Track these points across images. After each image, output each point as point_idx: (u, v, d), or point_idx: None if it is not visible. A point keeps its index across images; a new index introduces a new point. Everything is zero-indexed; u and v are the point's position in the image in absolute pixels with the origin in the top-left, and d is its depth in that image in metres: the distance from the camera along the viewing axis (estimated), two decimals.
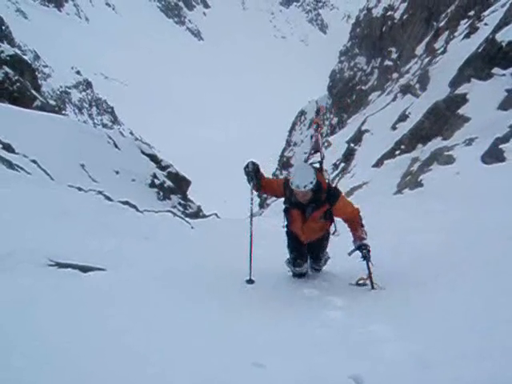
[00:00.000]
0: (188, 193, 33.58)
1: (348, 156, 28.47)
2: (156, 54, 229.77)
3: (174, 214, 16.10)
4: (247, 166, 7.15)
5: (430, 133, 19.92)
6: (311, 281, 7.55)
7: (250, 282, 7.28)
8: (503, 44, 18.07)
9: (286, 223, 7.38)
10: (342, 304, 6.28)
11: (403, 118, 24.94)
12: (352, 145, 28.67)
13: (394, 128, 24.80)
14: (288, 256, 7.69)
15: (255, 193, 7.67)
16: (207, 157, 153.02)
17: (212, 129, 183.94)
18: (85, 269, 7.34)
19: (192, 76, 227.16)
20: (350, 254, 6.95)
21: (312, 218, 6.89)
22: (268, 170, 63.87)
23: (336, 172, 28.87)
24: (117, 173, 27.65)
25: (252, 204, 7.85)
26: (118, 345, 4.42)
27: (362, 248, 6.77)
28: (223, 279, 7.45)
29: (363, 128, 28.89)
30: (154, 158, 32.25)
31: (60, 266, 7.33)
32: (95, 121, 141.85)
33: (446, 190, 11.32)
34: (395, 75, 40.50)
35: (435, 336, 4.49)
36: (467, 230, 8.19)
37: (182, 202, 31.41)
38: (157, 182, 29.93)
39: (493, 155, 11.70)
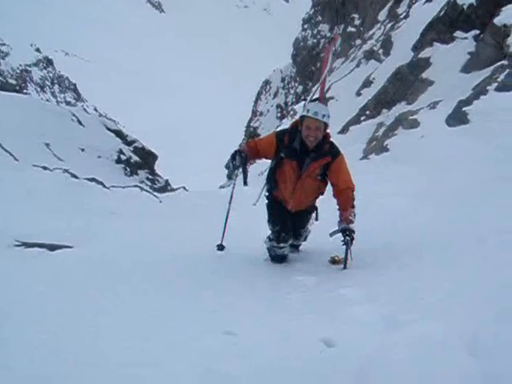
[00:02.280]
0: (156, 167, 33.38)
1: None
2: (117, 28, 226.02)
3: (142, 189, 16.06)
4: (234, 158, 6.49)
5: (394, 97, 19.97)
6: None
7: (221, 247, 7.02)
8: (464, 7, 18.09)
9: (267, 189, 6.91)
10: (313, 270, 6.35)
11: (367, 83, 24.94)
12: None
13: (358, 94, 24.81)
14: (268, 234, 6.97)
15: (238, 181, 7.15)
16: (174, 130, 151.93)
17: (177, 102, 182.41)
18: (52, 247, 7.32)
19: (155, 49, 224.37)
20: (331, 234, 6.38)
21: (309, 170, 6.33)
22: (235, 141, 63.76)
23: None
24: (82, 150, 27.39)
25: (232, 196, 7.13)
26: (88, 321, 4.40)
27: (347, 233, 6.17)
28: (192, 250, 7.45)
29: (328, 95, 28.83)
30: (119, 134, 31.93)
31: (27, 245, 7.30)
32: (58, 99, 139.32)
33: (411, 154, 11.41)
34: (358, 41, 40.40)
35: (404, 298, 4.55)
36: (434, 193, 8.28)
37: (150, 176, 31.24)
38: (123, 157, 29.67)
39: (457, 118, 11.78)
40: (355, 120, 21.51)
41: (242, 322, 4.45)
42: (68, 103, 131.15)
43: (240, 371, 3.56)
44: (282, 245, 6.74)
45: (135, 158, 30.77)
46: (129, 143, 31.76)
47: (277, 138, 6.46)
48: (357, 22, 46.03)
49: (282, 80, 65.35)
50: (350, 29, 46.09)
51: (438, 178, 9.07)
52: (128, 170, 29.44)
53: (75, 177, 15.47)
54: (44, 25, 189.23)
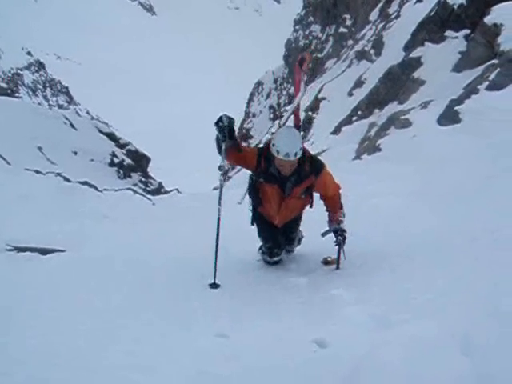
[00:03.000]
0: (149, 170, 33.29)
1: (306, 124, 28.49)
2: (109, 31, 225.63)
3: (135, 192, 16.00)
4: (220, 119, 5.75)
5: (386, 97, 20.02)
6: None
7: (215, 286, 5.83)
8: (455, 7, 18.16)
9: (251, 205, 6.43)
10: (305, 271, 6.33)
11: (359, 83, 24.98)
12: (310, 113, 28.65)
13: (350, 94, 24.85)
14: (260, 245, 6.78)
15: (227, 165, 6.93)
16: (167, 132, 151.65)
17: (170, 103, 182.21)
18: (44, 251, 7.30)
19: (147, 51, 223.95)
20: (323, 235, 6.30)
21: (293, 194, 5.93)
22: None
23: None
24: (75, 153, 27.27)
25: (221, 190, 6.57)
26: (80, 325, 4.39)
27: (338, 233, 6.05)
28: (184, 255, 7.41)
29: (320, 96, 28.88)
30: (112, 137, 31.83)
31: (19, 250, 7.27)
32: (50, 102, 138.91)
33: (403, 154, 11.41)
34: (350, 42, 40.45)
35: (396, 298, 4.55)
36: (427, 192, 8.28)
37: (143, 179, 31.14)
38: (116, 160, 29.56)
39: (448, 117, 11.80)
40: (347, 120, 21.55)
41: (234, 324, 4.46)
42: (60, 106, 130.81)
43: (231, 373, 3.57)
44: (275, 259, 6.63)
45: (128, 161, 30.67)
46: (122, 146, 31.65)
47: (257, 155, 5.93)
48: (348, 23, 46.09)
49: (275, 81, 65.38)
50: (342, 29, 46.16)
51: (431, 177, 9.08)
52: (121, 172, 29.33)
53: (68, 180, 15.42)
54: (35, 28, 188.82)
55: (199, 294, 5.46)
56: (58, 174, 16.22)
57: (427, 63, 18.15)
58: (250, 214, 6.54)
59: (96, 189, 14.84)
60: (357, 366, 3.25)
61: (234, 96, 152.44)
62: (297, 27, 63.85)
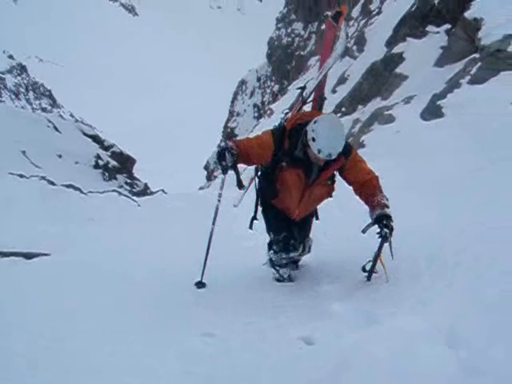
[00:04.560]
0: (134, 171, 33.26)
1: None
2: (90, 33, 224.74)
3: (120, 194, 15.95)
4: (222, 156, 4.96)
5: (369, 93, 20.11)
6: None
7: (201, 285, 5.66)
8: (435, 2, 18.29)
9: (260, 198, 5.71)
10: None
11: (342, 80, 25.10)
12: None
13: (333, 91, 24.93)
14: (269, 251, 5.84)
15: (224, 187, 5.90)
16: (152, 133, 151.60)
17: (154, 104, 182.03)
18: (29, 255, 7.25)
19: (130, 52, 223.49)
20: (364, 230, 4.94)
21: (320, 179, 5.13)
22: (213, 142, 63.75)
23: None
24: (59, 156, 27.20)
25: (219, 201, 5.78)
26: (66, 329, 4.37)
27: (384, 222, 4.80)
28: (170, 254, 7.40)
29: (304, 93, 28.94)
30: (96, 139, 31.80)
31: (3, 254, 7.21)
32: (33, 105, 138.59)
33: (388, 149, 11.45)
34: None
35: (382, 293, 4.57)
36: (413, 187, 8.30)
37: (129, 180, 31.13)
38: (101, 162, 29.54)
39: (431, 112, 11.86)
40: None
41: (220, 323, 4.45)
42: (43, 110, 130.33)
43: (217, 372, 3.58)
44: (291, 254, 5.59)
45: (113, 163, 30.64)
46: (106, 148, 31.63)
47: (274, 138, 5.08)
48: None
49: (258, 79, 65.49)
50: (324, 26, 46.21)
51: (417, 171, 9.11)
52: (106, 174, 29.31)
53: (52, 184, 15.34)
54: (16, 31, 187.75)
55: (185, 295, 5.44)
56: (43, 178, 16.15)
57: (409, 58, 18.25)
58: (251, 215, 5.84)
59: (81, 191, 14.77)
60: (343, 360, 3.25)
61: (217, 95, 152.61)
62: (279, 25, 63.96)
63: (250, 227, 5.88)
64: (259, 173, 5.76)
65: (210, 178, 52.71)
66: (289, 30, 59.68)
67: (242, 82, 68.44)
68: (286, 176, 5.14)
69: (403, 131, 11.95)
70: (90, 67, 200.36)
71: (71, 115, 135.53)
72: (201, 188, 38.64)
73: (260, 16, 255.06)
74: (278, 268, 5.88)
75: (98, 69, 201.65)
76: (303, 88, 6.07)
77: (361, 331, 3.66)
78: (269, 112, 42.42)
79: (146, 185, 32.48)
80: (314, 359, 3.49)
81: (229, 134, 60.38)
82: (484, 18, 13.83)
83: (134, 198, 16.36)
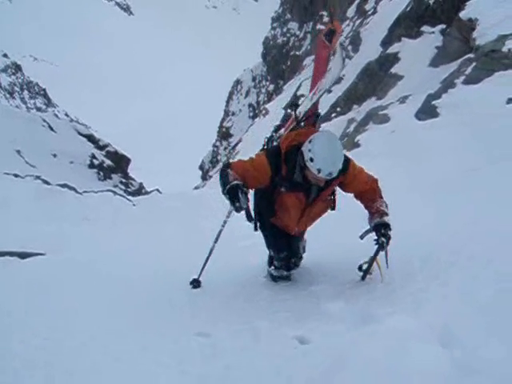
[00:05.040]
0: (129, 170, 33.24)
1: (286, 122, 28.55)
2: (85, 32, 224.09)
3: (115, 193, 15.93)
4: (235, 197, 4.52)
5: (364, 93, 20.13)
6: None
7: (196, 284, 5.63)
8: (430, 2, 18.34)
9: (258, 215, 5.35)
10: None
11: (337, 80, 25.08)
12: (289, 110, 28.70)
13: (329, 91, 24.92)
14: (270, 258, 5.76)
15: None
16: (147, 132, 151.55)
17: (149, 103, 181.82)
18: (23, 255, 7.24)
19: (125, 52, 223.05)
20: (362, 236, 4.91)
21: (321, 197, 4.98)
22: (208, 141, 63.73)
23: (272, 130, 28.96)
24: (54, 156, 27.20)
25: (223, 227, 5.66)
26: (62, 328, 4.37)
27: (382, 231, 4.74)
28: (164, 256, 7.38)
29: (299, 93, 28.97)
30: (91, 138, 31.77)
31: None
32: (28, 105, 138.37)
33: (383, 149, 11.45)
34: None
35: (376, 293, 4.57)
36: (409, 186, 8.31)
37: (124, 180, 31.12)
38: (96, 162, 29.54)
39: (426, 111, 11.88)
40: (326, 117, 21.61)
41: (215, 323, 4.44)
42: (38, 109, 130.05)
43: (212, 372, 3.58)
44: (293, 271, 5.63)
45: (108, 162, 30.63)
46: (101, 147, 31.60)
47: (270, 164, 4.78)
48: (326, 19, 46.18)
49: (253, 79, 65.48)
50: (319, 26, 46.23)
51: (412, 171, 9.12)
52: (101, 174, 29.31)
53: (47, 183, 15.34)
54: (11, 30, 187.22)
55: (180, 295, 5.43)
56: (38, 177, 16.17)
57: (404, 58, 18.30)
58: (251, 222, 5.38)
59: (76, 191, 14.76)
60: (338, 360, 3.26)
61: (212, 94, 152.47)
62: (274, 25, 63.97)
63: (256, 229, 5.48)
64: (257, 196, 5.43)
65: (205, 177, 52.73)
66: (284, 30, 59.69)
67: (237, 82, 68.41)
68: (285, 199, 4.95)
69: (398, 131, 11.96)
70: (86, 66, 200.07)
71: (66, 114, 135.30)
72: (196, 187, 38.63)
73: (255, 16, 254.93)
74: (278, 280, 5.73)
75: (93, 68, 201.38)
76: (296, 106, 5.76)
77: (356, 331, 3.66)
78: (264, 112, 42.41)
79: (141, 184, 32.47)
80: (309, 359, 3.49)
81: (224, 133, 60.40)
82: (479, 19, 13.88)
83: (129, 197, 16.36)
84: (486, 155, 8.15)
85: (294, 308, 4.73)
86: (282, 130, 5.81)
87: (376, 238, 4.76)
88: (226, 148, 56.26)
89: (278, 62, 58.21)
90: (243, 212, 4.77)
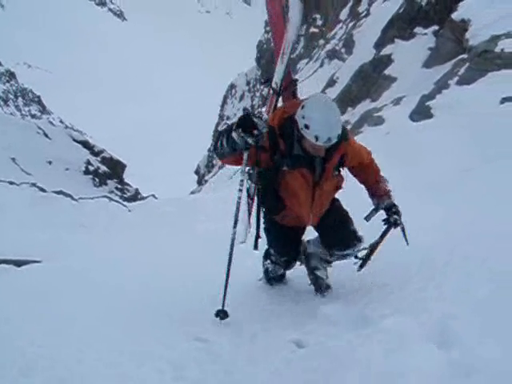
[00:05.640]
0: (125, 176, 33.22)
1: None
2: (79, 38, 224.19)
3: (110, 199, 15.89)
4: (248, 121, 4.01)
5: (358, 95, 20.18)
6: None
7: (223, 315, 4.55)
8: (423, 4, 18.41)
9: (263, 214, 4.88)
10: None
11: (331, 83, 25.16)
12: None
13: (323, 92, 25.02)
14: (266, 251, 5.35)
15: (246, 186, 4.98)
16: (142, 137, 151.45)
17: (144, 108, 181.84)
18: (19, 263, 7.21)
19: (119, 57, 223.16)
20: (368, 218, 4.60)
21: (327, 173, 4.44)
22: (204, 146, 63.73)
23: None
24: (49, 163, 27.21)
25: (234, 238, 4.64)
26: (59, 333, 4.36)
27: (393, 210, 4.55)
28: (158, 261, 7.35)
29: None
30: (86, 145, 31.74)
31: None
32: (23, 112, 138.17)
33: (378, 151, 11.43)
34: (321, 42, 40.67)
35: (373, 295, 4.58)
36: (404, 188, 8.30)
37: (119, 186, 31.11)
38: (91, 168, 29.52)
39: (421, 112, 11.89)
40: None
41: (212, 329, 4.42)
42: (33, 116, 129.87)
43: (209, 376, 3.59)
44: (289, 271, 5.35)
45: (103, 168, 30.61)
46: (96, 154, 31.57)
47: (269, 140, 4.31)
48: (319, 23, 46.34)
49: (248, 83, 65.44)
50: (313, 29, 46.36)
51: (407, 173, 9.11)
52: (97, 180, 29.30)
53: (43, 190, 15.29)
54: (4, 37, 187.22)
55: (175, 300, 5.42)
56: (33, 185, 16.11)
57: (398, 60, 18.35)
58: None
59: (71, 198, 14.72)
60: (336, 362, 3.27)
61: (207, 99, 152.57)
62: (268, 28, 63.81)
63: (255, 247, 4.91)
64: (256, 191, 4.93)
65: (200, 182, 52.67)
66: None
67: (232, 86, 68.42)
68: (291, 181, 4.41)
69: (393, 132, 11.96)
70: (80, 73, 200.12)
71: (61, 121, 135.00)
72: (192, 192, 38.56)
73: (249, 19, 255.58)
74: (272, 282, 5.53)
75: (87, 74, 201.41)
76: (268, 81, 5.39)
77: (353, 333, 3.67)
78: (259, 116, 42.46)
79: (136, 190, 32.45)
80: (306, 362, 3.49)
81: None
82: (471, 19, 13.93)
83: (125, 203, 16.32)
84: (481, 155, 8.16)
85: (291, 311, 4.73)
86: (265, 114, 5.13)
87: (387, 217, 4.56)
88: None
89: (272, 66, 58.28)
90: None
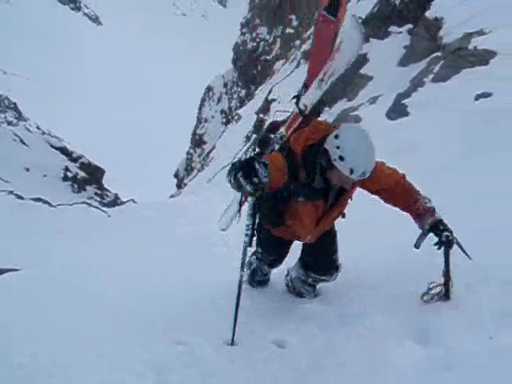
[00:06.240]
0: (104, 181, 33.02)
1: (258, 127, 28.64)
2: (55, 44, 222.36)
3: (89, 205, 15.82)
4: (251, 168, 3.56)
5: (335, 95, 20.21)
6: None
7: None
8: (396, 3, 18.53)
9: (257, 221, 4.60)
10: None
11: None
12: (261, 115, 28.82)
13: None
14: (254, 253, 5.15)
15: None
16: (120, 142, 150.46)
17: (122, 113, 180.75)
18: None
19: (96, 62, 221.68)
20: (417, 245, 4.05)
21: (341, 204, 4.23)
22: (182, 149, 63.62)
23: (249, 144, 29.03)
24: (27, 170, 26.98)
25: (243, 276, 4.50)
26: (42, 339, 4.33)
27: (441, 227, 3.96)
28: (140, 270, 7.31)
29: (270, 97, 29.07)
30: (64, 151, 31.48)
31: None
32: None
33: None
34: (297, 42, 40.82)
35: (352, 294, 4.58)
36: None
37: (98, 191, 30.89)
38: (70, 174, 29.28)
39: (397, 111, 11.94)
40: None
41: (193, 331, 4.40)
42: (9, 123, 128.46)
43: (190, 379, 3.59)
44: (271, 269, 5.11)
45: (82, 174, 30.39)
46: (74, 159, 31.32)
47: (287, 166, 3.92)
48: (295, 23, 46.46)
49: (225, 85, 65.38)
50: (289, 30, 46.49)
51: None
52: (75, 186, 29.07)
53: (21, 198, 15.20)
54: None
55: (156, 302, 5.39)
56: (11, 192, 15.99)
57: (373, 59, 18.43)
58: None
59: (50, 204, 14.63)
60: (316, 360, 3.28)
61: (185, 102, 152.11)
62: (244, 30, 63.98)
63: (249, 244, 4.63)
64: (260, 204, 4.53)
65: (180, 185, 52.55)
66: (253, 35, 59.71)
67: (209, 89, 68.27)
68: (300, 208, 4.13)
69: (370, 131, 11.98)
70: (57, 78, 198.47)
71: (38, 127, 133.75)
72: (171, 196, 38.47)
73: (225, 22, 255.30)
74: (254, 284, 5.37)
75: (64, 80, 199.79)
76: (298, 97, 4.66)
77: (332, 332, 3.69)
78: (236, 117, 42.52)
79: (116, 195, 32.26)
80: (287, 362, 3.51)
81: (197, 140, 60.29)
82: (444, 17, 14.04)
83: (104, 208, 16.24)
84: (458, 150, 8.22)
85: (273, 312, 4.72)
86: (282, 129, 4.62)
87: (438, 238, 3.94)
88: (200, 155, 56.12)
89: (249, 68, 58.26)
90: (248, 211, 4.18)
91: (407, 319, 3.46)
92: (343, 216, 4.40)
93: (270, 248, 4.83)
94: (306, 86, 4.62)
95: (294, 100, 4.70)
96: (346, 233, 4.67)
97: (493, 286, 3.68)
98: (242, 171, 3.56)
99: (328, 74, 4.58)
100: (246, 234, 4.28)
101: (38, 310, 5.21)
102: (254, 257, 5.12)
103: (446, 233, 3.88)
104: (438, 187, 7.01)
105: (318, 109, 4.70)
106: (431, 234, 4.01)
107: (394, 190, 4.20)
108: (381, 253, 5.25)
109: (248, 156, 3.74)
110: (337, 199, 4.16)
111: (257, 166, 3.53)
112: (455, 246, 3.87)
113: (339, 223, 4.56)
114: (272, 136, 3.84)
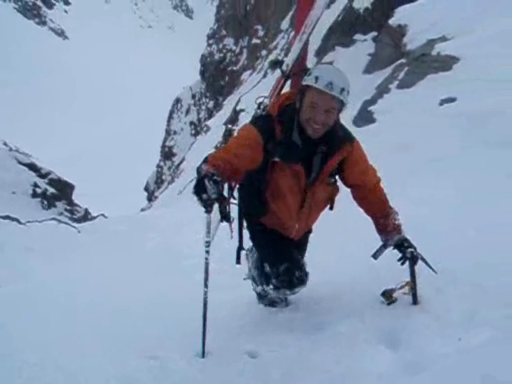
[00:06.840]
0: (74, 197, 32.73)
1: (227, 137, 28.68)
2: (20, 59, 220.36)
3: (59, 221, 15.65)
4: (200, 187, 3.47)
5: None
6: None
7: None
8: (361, 11, 18.72)
9: (244, 216, 4.42)
10: (231, 282, 6.12)
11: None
12: (229, 126, 28.84)
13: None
14: (268, 282, 4.37)
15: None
16: (89, 156, 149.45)
17: (90, 127, 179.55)
18: None
19: (61, 76, 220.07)
20: (376, 256, 4.09)
21: (324, 173, 3.94)
22: (152, 162, 63.37)
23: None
24: None
25: (208, 255, 3.97)
26: (14, 360, 4.26)
27: (405, 245, 3.93)
28: (110, 286, 7.25)
29: (238, 108, 29.12)
30: (32, 167, 31.09)
31: None
32: None
33: None
34: (264, 52, 40.99)
35: (323, 301, 4.59)
36: None
37: (68, 207, 30.58)
38: (39, 190, 28.93)
39: (363, 118, 12.05)
40: None
41: (164, 345, 4.36)
42: None
43: None
44: (297, 289, 4.22)
45: (51, 190, 30.05)
46: (43, 176, 30.97)
47: (259, 131, 3.80)
48: (261, 34, 46.62)
49: (193, 97, 65.34)
50: (255, 40, 46.63)
51: None
52: (45, 203, 28.74)
53: None
54: None
55: (126, 317, 5.34)
56: None
57: (339, 67, 18.38)
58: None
59: (18, 222, 14.45)
60: (288, 370, 3.28)
61: (153, 114, 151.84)
62: (210, 41, 64.10)
63: (238, 261, 4.52)
64: (237, 186, 4.49)
65: (150, 198, 52.30)
66: (220, 46, 59.83)
67: (177, 100, 68.15)
68: (279, 179, 3.94)
69: None
70: (22, 94, 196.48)
71: (5, 144, 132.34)
72: (142, 209, 38.26)
73: (191, 33, 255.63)
74: (266, 304, 4.95)
75: (30, 95, 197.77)
76: (279, 62, 5.01)
77: (306, 340, 3.69)
78: (205, 129, 42.49)
79: (86, 210, 31.99)
80: (259, 372, 3.49)
81: (167, 152, 60.12)
82: (408, 24, 14.22)
83: (74, 224, 16.09)
84: (424, 156, 8.34)
85: (244, 322, 4.71)
86: (267, 100, 4.68)
87: (401, 254, 3.93)
88: (170, 168, 55.96)
89: (216, 79, 58.32)
90: (219, 216, 3.82)
91: (378, 324, 3.48)
92: (331, 206, 4.26)
93: (268, 248, 4.33)
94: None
95: (277, 65, 5.09)
96: (319, 239, 4.69)
97: (461, 287, 3.72)
98: (194, 191, 3.53)
99: (308, 22, 5.07)
100: (206, 251, 3.98)
101: (6, 328, 5.14)
102: (271, 286, 4.32)
103: (410, 249, 3.87)
104: (402, 193, 7.10)
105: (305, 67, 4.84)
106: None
107: (373, 190, 4.15)
108: (351, 259, 5.27)
109: (200, 173, 3.58)
110: (321, 169, 3.92)
111: (206, 183, 3.45)
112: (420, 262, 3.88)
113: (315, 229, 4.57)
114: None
